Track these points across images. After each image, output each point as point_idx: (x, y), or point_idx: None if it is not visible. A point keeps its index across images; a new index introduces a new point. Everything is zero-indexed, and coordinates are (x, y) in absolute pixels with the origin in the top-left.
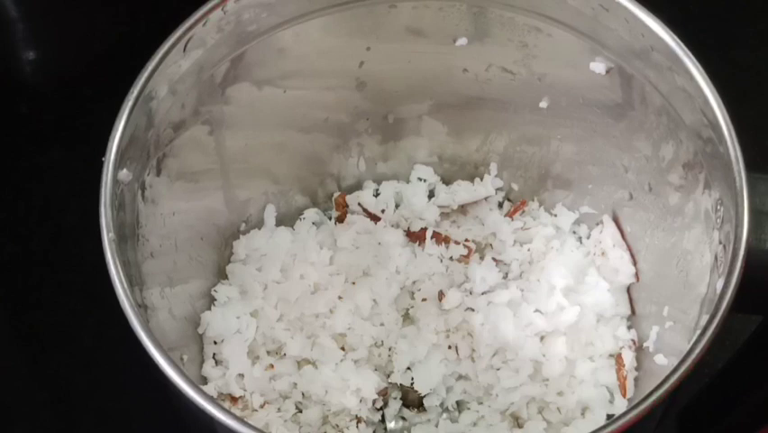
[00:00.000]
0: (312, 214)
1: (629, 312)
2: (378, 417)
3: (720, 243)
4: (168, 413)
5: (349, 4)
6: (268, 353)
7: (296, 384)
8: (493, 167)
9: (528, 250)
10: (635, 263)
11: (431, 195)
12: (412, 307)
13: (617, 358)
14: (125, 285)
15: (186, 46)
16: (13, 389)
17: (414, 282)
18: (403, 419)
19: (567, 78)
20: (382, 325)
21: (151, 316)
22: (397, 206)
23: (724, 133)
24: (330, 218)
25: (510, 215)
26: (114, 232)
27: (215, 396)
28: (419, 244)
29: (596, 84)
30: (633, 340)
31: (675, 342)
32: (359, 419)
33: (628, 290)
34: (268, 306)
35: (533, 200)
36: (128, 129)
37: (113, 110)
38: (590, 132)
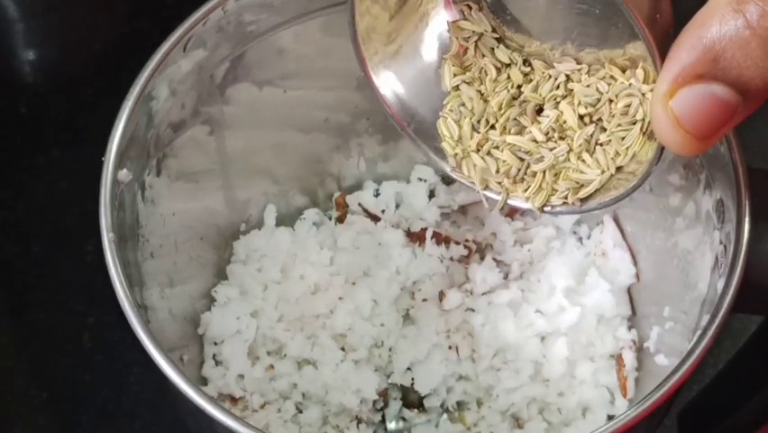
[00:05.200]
0: (312, 214)
1: (630, 313)
2: (378, 417)
3: (721, 243)
4: (168, 413)
5: None
6: (268, 353)
7: (296, 385)
8: None
9: (529, 250)
10: (635, 264)
11: (431, 195)
12: (412, 307)
13: (618, 359)
14: (125, 285)
15: (186, 46)
16: (13, 389)
17: (414, 283)
18: (403, 419)
19: None
20: (382, 325)
21: (152, 316)
22: (397, 206)
23: None
24: (330, 218)
25: (510, 215)
26: (113, 232)
27: (216, 397)
28: (419, 245)
29: None
30: (633, 341)
31: (676, 342)
32: (359, 420)
33: (629, 290)
34: (268, 306)
35: None
36: (128, 129)
37: (113, 110)
38: None
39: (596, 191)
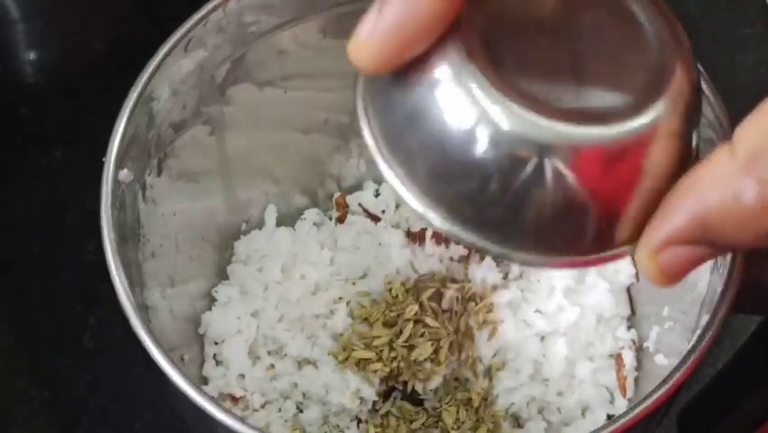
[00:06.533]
0: (312, 214)
1: (629, 312)
2: (378, 417)
3: None
4: (168, 413)
5: (349, 5)
6: (268, 353)
7: (296, 384)
8: None
9: None
10: (635, 264)
11: None
12: None
13: (617, 358)
14: (126, 285)
15: (187, 46)
16: (13, 389)
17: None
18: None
19: None
20: None
21: (152, 316)
22: (397, 206)
23: (724, 134)
24: (330, 219)
25: None
26: (114, 232)
27: (216, 396)
28: (419, 245)
29: None
30: (633, 340)
31: (675, 342)
32: (359, 420)
33: (628, 290)
34: (268, 306)
35: None
36: (129, 129)
37: (113, 110)
38: None
39: None
